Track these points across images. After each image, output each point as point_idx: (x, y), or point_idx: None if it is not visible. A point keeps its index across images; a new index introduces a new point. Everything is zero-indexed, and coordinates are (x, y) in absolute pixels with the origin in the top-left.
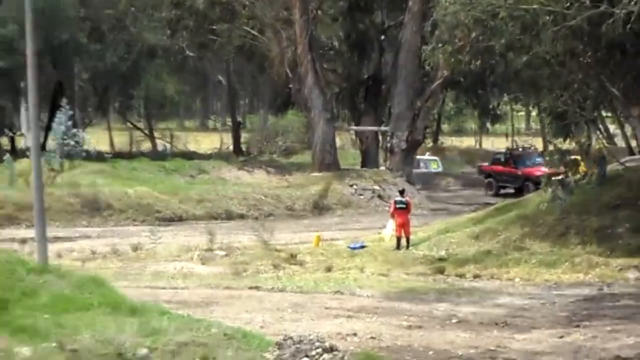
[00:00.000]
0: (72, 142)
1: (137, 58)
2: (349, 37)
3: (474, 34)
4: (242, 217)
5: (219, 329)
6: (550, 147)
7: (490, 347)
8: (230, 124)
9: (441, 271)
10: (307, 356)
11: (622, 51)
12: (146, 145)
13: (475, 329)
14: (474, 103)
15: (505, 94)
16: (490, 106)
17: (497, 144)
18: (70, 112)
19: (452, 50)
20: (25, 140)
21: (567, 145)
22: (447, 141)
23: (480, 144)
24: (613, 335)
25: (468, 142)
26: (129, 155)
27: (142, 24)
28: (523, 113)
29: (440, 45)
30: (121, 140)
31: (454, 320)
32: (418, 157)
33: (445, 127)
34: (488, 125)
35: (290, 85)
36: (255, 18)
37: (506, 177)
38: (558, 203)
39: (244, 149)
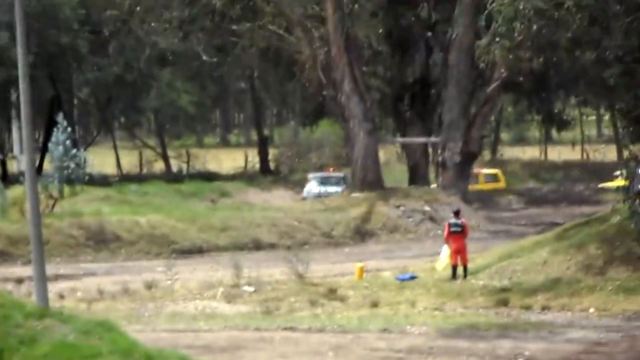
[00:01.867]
0: (73, 165)
1: (146, 65)
2: (390, 34)
3: (535, 27)
4: (272, 246)
5: None
6: (626, 155)
7: None
8: (255, 138)
9: (504, 303)
10: None
11: None
12: (159, 166)
13: None
14: (537, 107)
15: (572, 96)
16: (556, 111)
17: (564, 154)
18: (69, 130)
19: (511, 45)
20: (19, 163)
21: None
22: (507, 152)
23: (545, 155)
24: None
25: (531, 152)
26: (138, 178)
27: (150, 26)
28: (594, 117)
29: (497, 40)
30: (129, 161)
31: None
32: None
33: (504, 136)
34: (554, 132)
35: (325, 92)
36: (282, 15)
37: None
38: (636, 220)
39: (272, 167)
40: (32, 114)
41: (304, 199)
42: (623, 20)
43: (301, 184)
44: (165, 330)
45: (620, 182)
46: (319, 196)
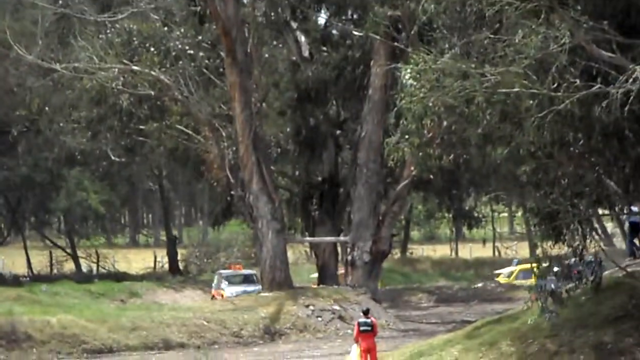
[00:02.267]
0: None
1: (55, 166)
2: (299, 133)
3: (445, 124)
4: (182, 346)
5: None
6: (538, 252)
7: None
8: (164, 239)
9: None
10: None
11: (620, 138)
12: (69, 266)
13: None
14: (447, 205)
15: (483, 194)
16: (467, 208)
17: (475, 251)
18: None
19: (420, 143)
20: None
21: (557, 249)
22: (418, 250)
23: (456, 253)
24: None
25: (442, 250)
26: (49, 278)
27: (58, 126)
28: (505, 215)
29: (406, 137)
30: (40, 261)
31: None
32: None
33: (415, 234)
34: (465, 230)
35: (233, 192)
36: (190, 115)
37: None
38: (548, 317)
39: (181, 267)
40: None
41: (214, 297)
42: (535, 116)
43: (209, 283)
44: None
45: (503, 279)
46: (243, 293)
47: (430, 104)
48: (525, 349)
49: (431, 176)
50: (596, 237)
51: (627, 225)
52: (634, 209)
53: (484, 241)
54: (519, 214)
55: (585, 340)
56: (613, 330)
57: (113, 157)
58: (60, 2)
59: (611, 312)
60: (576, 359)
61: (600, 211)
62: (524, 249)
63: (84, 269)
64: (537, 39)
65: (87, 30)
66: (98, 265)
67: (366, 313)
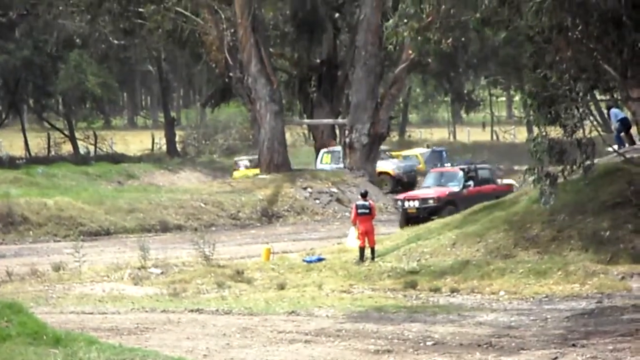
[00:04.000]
0: None
1: (53, 49)
2: (297, 15)
3: (443, 7)
4: (179, 228)
5: None
6: (536, 134)
7: None
8: (162, 120)
9: (413, 286)
10: None
11: (618, 24)
12: (66, 148)
13: (454, 352)
14: (446, 88)
15: (482, 77)
16: (465, 91)
17: (474, 135)
18: None
19: (419, 27)
20: None
21: (554, 133)
22: (416, 133)
23: (454, 136)
24: (615, 355)
25: (440, 133)
26: (46, 160)
27: (57, 10)
28: (503, 99)
29: (404, 21)
30: (38, 143)
31: (429, 343)
32: None
33: (413, 117)
34: (463, 114)
35: (231, 74)
36: None
37: None
38: (544, 200)
39: (179, 149)
40: None
41: None
42: (534, 0)
43: (207, 165)
44: (73, 312)
45: (244, 172)
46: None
47: None
48: (523, 234)
49: (429, 60)
50: (593, 121)
51: (613, 118)
52: (617, 111)
53: (484, 125)
54: (517, 98)
55: (583, 227)
56: (611, 216)
57: (111, 40)
58: None
59: (609, 198)
60: (574, 245)
61: (598, 96)
62: (522, 134)
63: (82, 151)
64: None
65: None
66: (96, 147)
67: (364, 196)
